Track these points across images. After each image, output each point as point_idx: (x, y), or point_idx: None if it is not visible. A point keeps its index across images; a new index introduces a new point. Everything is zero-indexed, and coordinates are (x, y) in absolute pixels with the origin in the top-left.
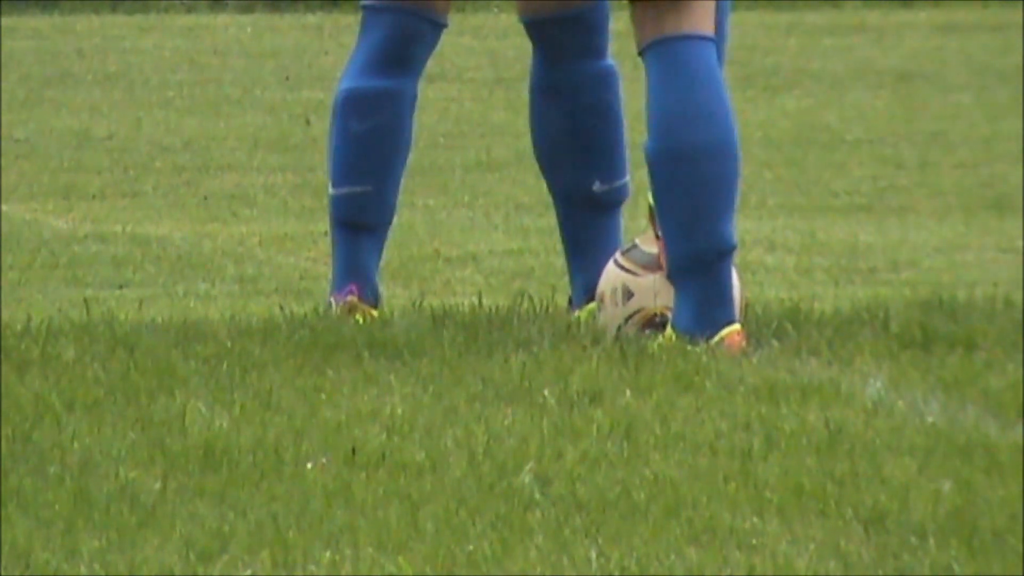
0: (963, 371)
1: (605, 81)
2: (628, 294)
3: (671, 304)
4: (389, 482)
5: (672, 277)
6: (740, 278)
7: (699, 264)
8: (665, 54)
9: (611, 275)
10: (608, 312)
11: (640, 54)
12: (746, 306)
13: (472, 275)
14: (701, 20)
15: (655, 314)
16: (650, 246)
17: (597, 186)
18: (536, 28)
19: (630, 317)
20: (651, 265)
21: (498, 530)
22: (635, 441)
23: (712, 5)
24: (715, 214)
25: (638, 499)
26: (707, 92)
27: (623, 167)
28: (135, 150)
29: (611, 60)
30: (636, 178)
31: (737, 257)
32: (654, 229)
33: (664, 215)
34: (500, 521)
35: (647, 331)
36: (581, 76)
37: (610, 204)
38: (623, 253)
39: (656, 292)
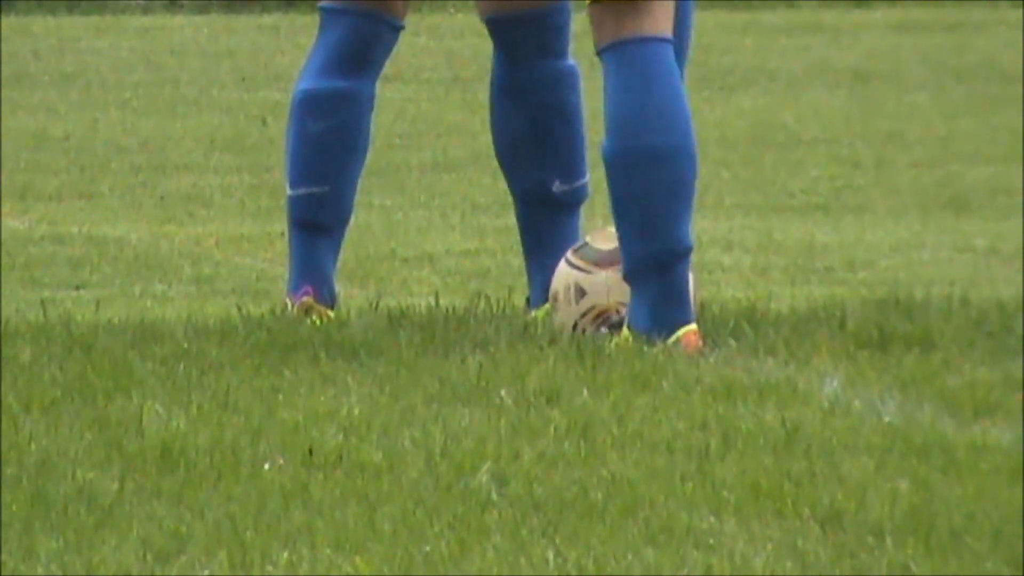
0: (920, 370)
1: (566, 81)
2: (581, 292)
3: (625, 300)
4: (346, 482)
5: (629, 278)
6: (695, 278)
7: (656, 265)
8: (624, 55)
9: (563, 274)
10: (562, 311)
11: (598, 54)
12: (701, 306)
13: (429, 275)
14: (660, 22)
15: (609, 310)
16: (601, 243)
17: (557, 186)
18: (498, 27)
19: (584, 315)
20: (603, 262)
21: (455, 530)
22: (592, 441)
23: (671, 7)
24: (672, 216)
25: (595, 499)
26: (665, 94)
27: (583, 167)
28: (91, 151)
29: (572, 60)
30: (595, 178)
31: (694, 257)
32: None
33: (621, 216)
34: (457, 521)
35: (603, 329)
36: (542, 76)
37: (569, 204)
38: (574, 251)
39: (609, 288)
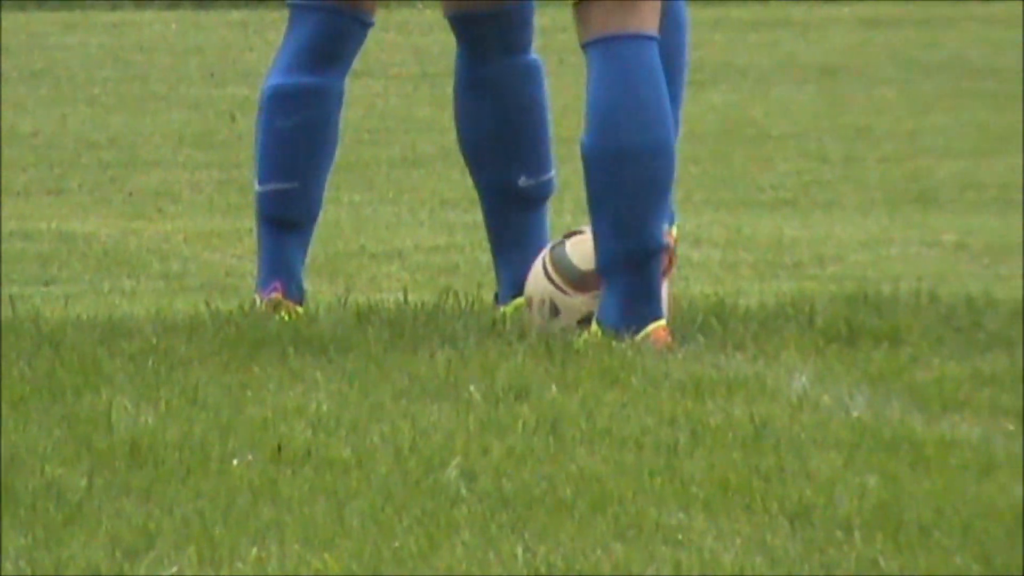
0: (888, 365)
1: (530, 76)
2: (555, 310)
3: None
4: (315, 478)
5: (601, 272)
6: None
7: (629, 262)
8: (609, 52)
9: (540, 284)
10: (535, 320)
11: (582, 48)
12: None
13: (398, 271)
14: (646, 20)
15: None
16: (582, 259)
17: (523, 181)
18: (461, 24)
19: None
20: (582, 285)
21: (424, 526)
22: (561, 436)
23: (658, 5)
24: (648, 214)
25: (564, 495)
26: (648, 92)
27: (548, 162)
28: (60, 147)
29: (535, 55)
30: (562, 173)
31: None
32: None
33: (597, 212)
34: (426, 517)
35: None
36: (506, 71)
37: (536, 199)
38: (555, 260)
39: (583, 315)
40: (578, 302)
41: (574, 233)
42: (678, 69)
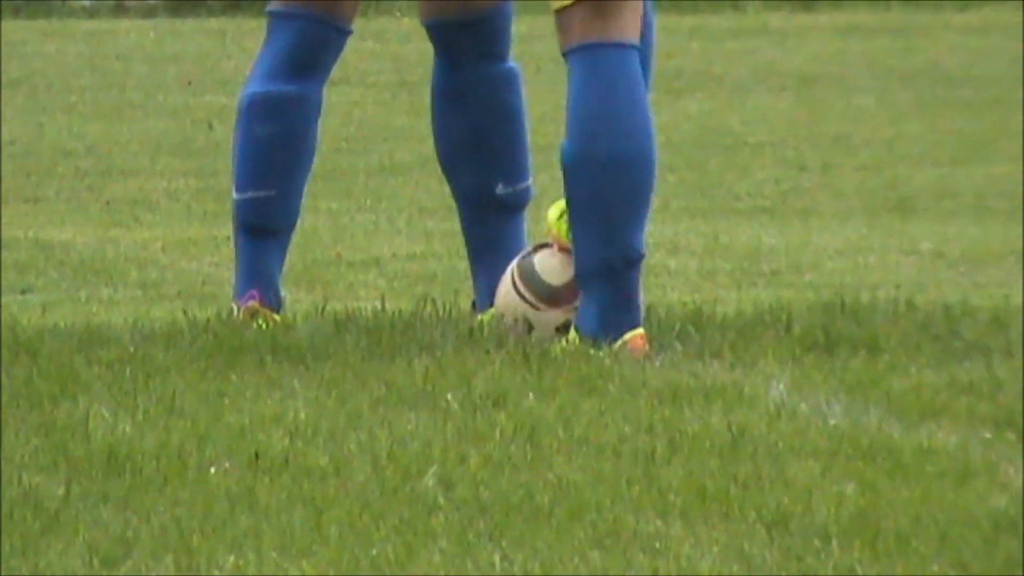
0: (866, 373)
1: (507, 84)
2: (529, 326)
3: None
4: (293, 486)
5: (579, 280)
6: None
7: (608, 270)
8: (590, 60)
9: (511, 301)
10: (512, 332)
11: (563, 56)
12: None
13: (375, 279)
14: (627, 28)
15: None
16: (551, 274)
17: (500, 189)
18: (438, 32)
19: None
20: (553, 299)
21: (402, 534)
22: (538, 444)
23: (639, 14)
24: (628, 222)
25: (542, 502)
26: (628, 100)
27: (526, 170)
28: (37, 155)
29: (513, 63)
30: (539, 181)
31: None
32: (555, 238)
33: (577, 220)
34: (404, 525)
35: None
36: (483, 79)
37: (513, 207)
38: (524, 277)
39: (557, 328)
40: (551, 316)
41: (541, 247)
42: (646, 57)
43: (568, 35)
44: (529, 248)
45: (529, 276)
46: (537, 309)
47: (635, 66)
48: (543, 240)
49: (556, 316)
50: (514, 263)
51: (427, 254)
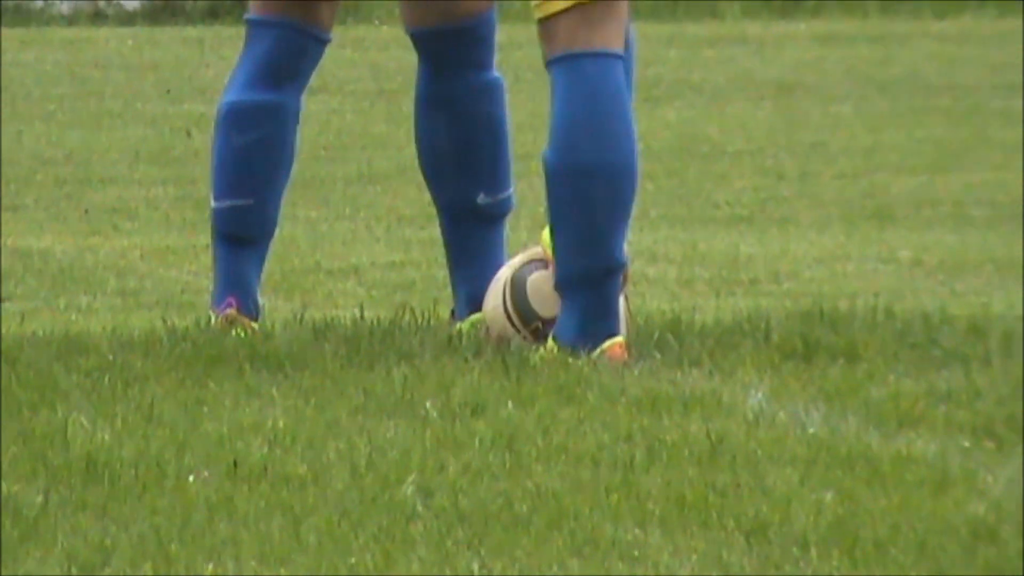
0: (844, 382)
1: (491, 93)
2: (508, 342)
3: None
4: (271, 494)
5: (559, 288)
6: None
7: (588, 279)
8: (573, 69)
9: (499, 320)
10: (490, 339)
11: (546, 65)
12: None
13: (354, 287)
14: (612, 37)
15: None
16: (541, 306)
17: (481, 198)
18: (422, 40)
19: None
20: (535, 331)
21: (380, 542)
22: (517, 453)
23: (623, 23)
24: (609, 232)
25: (520, 511)
26: (611, 110)
27: (508, 179)
28: (16, 163)
29: (497, 73)
30: (518, 189)
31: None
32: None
33: (558, 227)
34: (382, 533)
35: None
36: (467, 88)
37: (494, 216)
38: (515, 301)
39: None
40: (528, 343)
41: (540, 264)
42: (628, 77)
43: (552, 44)
44: (530, 258)
45: (520, 302)
46: (521, 335)
47: (619, 76)
48: (535, 256)
49: (533, 344)
50: (510, 272)
51: (406, 262)
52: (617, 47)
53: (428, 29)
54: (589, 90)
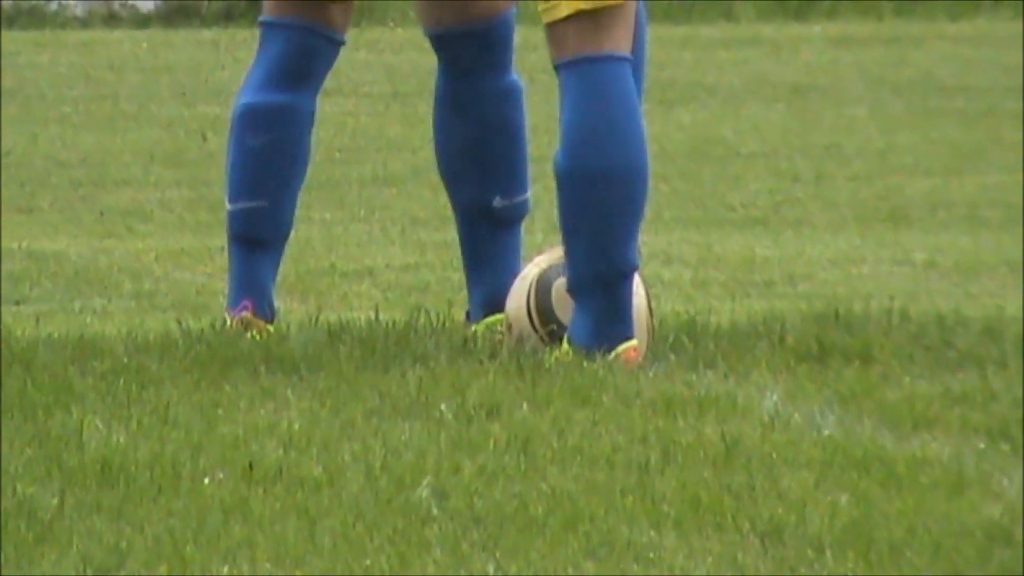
0: (859, 384)
1: (509, 96)
2: (525, 342)
3: None
4: (286, 497)
5: (572, 292)
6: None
7: (601, 282)
8: (583, 73)
9: (522, 322)
10: (509, 339)
11: (555, 68)
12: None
13: (369, 289)
14: (620, 41)
15: None
16: (563, 312)
17: (498, 201)
18: (441, 42)
19: None
20: (553, 335)
21: (395, 544)
22: (532, 455)
23: (631, 26)
24: (621, 236)
25: (535, 513)
26: (621, 114)
27: (524, 183)
28: (31, 165)
29: (516, 76)
30: (536, 192)
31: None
32: None
33: (570, 232)
34: (397, 535)
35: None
36: (485, 91)
37: (511, 219)
38: (539, 306)
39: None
40: (542, 345)
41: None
42: (639, 66)
43: (560, 48)
44: (557, 259)
45: (544, 308)
46: (536, 332)
47: (628, 78)
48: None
49: (547, 345)
50: (537, 272)
51: (421, 265)
52: (625, 50)
53: (445, 30)
54: (599, 94)
